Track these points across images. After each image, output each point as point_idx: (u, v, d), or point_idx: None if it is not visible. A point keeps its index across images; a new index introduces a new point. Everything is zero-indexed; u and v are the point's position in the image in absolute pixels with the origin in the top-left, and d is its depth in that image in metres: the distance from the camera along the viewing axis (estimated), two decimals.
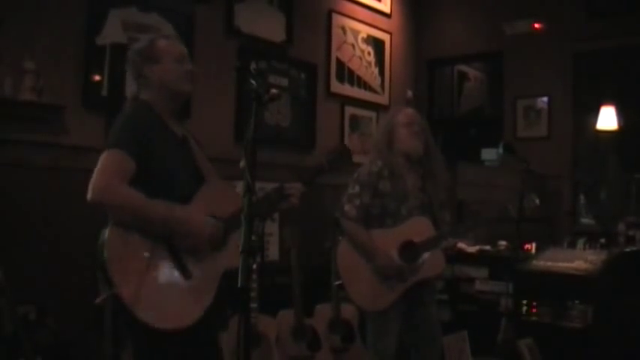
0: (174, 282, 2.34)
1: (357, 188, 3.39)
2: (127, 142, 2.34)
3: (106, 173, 2.29)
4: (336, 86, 5.93)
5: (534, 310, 4.51)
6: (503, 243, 5.19)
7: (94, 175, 2.28)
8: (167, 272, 2.33)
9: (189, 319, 2.34)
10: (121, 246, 2.28)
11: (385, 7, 6.54)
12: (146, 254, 2.30)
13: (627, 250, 4.80)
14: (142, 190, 2.31)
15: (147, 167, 2.36)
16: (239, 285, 1.92)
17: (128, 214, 2.29)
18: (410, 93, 6.75)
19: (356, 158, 5.81)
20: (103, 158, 2.32)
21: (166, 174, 2.42)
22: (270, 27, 5.27)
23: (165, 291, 2.31)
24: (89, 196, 2.26)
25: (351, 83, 6.11)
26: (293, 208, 2.64)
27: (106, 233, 2.27)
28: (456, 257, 4.88)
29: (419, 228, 3.35)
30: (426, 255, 3.32)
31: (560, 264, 4.52)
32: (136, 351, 2.42)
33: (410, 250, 3.31)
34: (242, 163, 2.13)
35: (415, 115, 3.49)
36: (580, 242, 5.02)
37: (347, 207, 3.38)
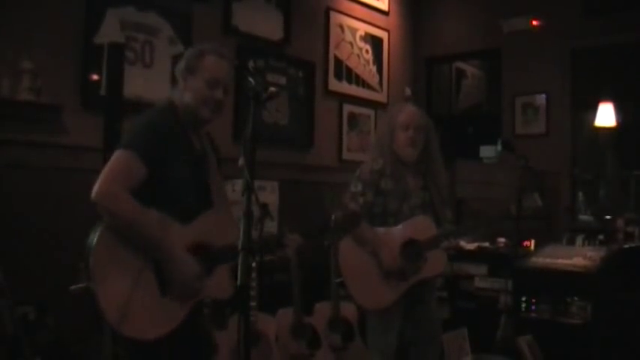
0: (148, 295, 2.32)
1: (359, 187, 3.37)
2: (142, 146, 2.32)
3: (112, 176, 2.28)
4: (334, 84, 5.93)
5: (534, 307, 4.52)
6: (502, 240, 5.19)
7: (101, 175, 2.28)
8: (145, 285, 2.31)
9: (156, 332, 2.32)
10: (107, 253, 2.28)
11: (383, 4, 6.54)
12: (130, 264, 2.29)
13: (626, 246, 4.80)
14: (145, 197, 2.30)
15: (155, 175, 2.34)
16: (238, 283, 1.92)
17: (121, 223, 2.29)
18: (408, 90, 6.75)
19: (354, 156, 5.88)
20: (114, 157, 2.32)
21: (173, 186, 2.40)
22: (268, 25, 5.27)
23: (137, 302, 2.28)
24: (93, 195, 2.26)
25: (350, 81, 6.11)
26: (285, 257, 2.65)
27: (96, 236, 2.27)
28: (456, 254, 4.87)
29: (421, 227, 3.34)
30: (428, 254, 3.32)
31: (559, 261, 4.52)
32: (127, 352, 2.43)
33: (412, 248, 3.31)
34: (241, 162, 2.13)
35: (415, 116, 3.42)
36: (579, 239, 5.02)
37: (351, 206, 3.35)
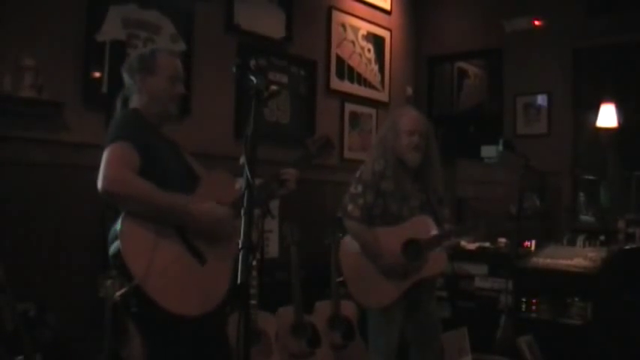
0: (191, 269, 2.36)
1: (359, 188, 3.37)
2: (130, 135, 2.36)
3: (116, 164, 2.30)
4: (336, 83, 5.93)
5: (534, 307, 4.52)
6: (502, 240, 5.19)
7: (103, 167, 2.29)
8: (183, 260, 2.35)
9: (210, 304, 2.36)
10: (136, 236, 2.29)
11: (385, 3, 6.53)
12: (161, 243, 2.31)
13: (627, 247, 4.80)
14: None
15: (146, 166, 2.36)
16: (239, 281, 1.92)
17: (140, 204, 2.30)
18: (410, 90, 6.75)
19: (356, 155, 5.88)
20: (109, 150, 2.32)
21: (165, 173, 2.44)
22: (270, 24, 5.27)
23: (183, 278, 2.32)
24: (100, 186, 2.26)
25: (351, 80, 6.11)
26: (290, 192, 2.67)
27: (119, 224, 2.28)
28: (456, 254, 4.87)
29: (422, 226, 3.34)
30: (428, 253, 3.32)
31: (560, 261, 4.53)
32: (150, 347, 2.44)
33: (413, 248, 3.31)
34: (242, 160, 2.13)
35: (419, 121, 3.43)
36: (580, 239, 5.02)
37: (350, 207, 3.36)
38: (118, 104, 2.61)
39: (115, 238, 2.28)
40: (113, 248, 2.29)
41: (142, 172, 2.34)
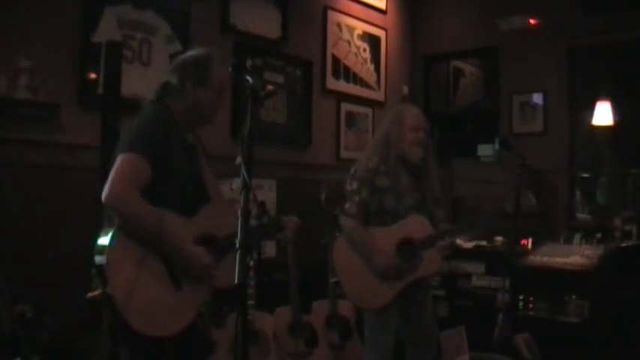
0: (164, 291, 2.37)
1: (355, 185, 3.38)
2: (146, 147, 2.35)
3: (125, 179, 2.30)
4: (332, 83, 5.93)
5: (531, 306, 4.53)
6: (499, 238, 5.19)
7: (112, 179, 2.29)
8: (159, 281, 2.37)
9: (170, 329, 2.37)
10: (122, 251, 2.31)
11: (380, 3, 6.54)
12: (143, 262, 2.33)
13: (623, 244, 4.81)
14: (148, 191, 2.33)
15: (158, 174, 2.36)
16: (236, 281, 1.92)
17: (137, 226, 2.32)
18: (406, 89, 6.75)
19: (352, 154, 5.88)
20: (121, 161, 2.32)
21: (175, 185, 2.45)
22: (265, 24, 5.26)
23: (153, 299, 2.34)
24: (104, 198, 2.28)
25: (347, 80, 6.11)
26: (286, 240, 2.69)
27: (109, 236, 2.30)
28: (453, 253, 4.87)
29: (417, 226, 3.34)
30: (423, 253, 3.32)
31: (557, 259, 4.53)
32: (131, 352, 2.45)
33: (408, 247, 3.31)
34: (238, 160, 2.13)
35: (423, 118, 3.47)
36: (576, 237, 5.03)
37: (347, 204, 3.35)
38: (154, 95, 2.57)
39: (102, 252, 2.30)
40: (98, 260, 2.32)
41: (152, 180, 2.35)
